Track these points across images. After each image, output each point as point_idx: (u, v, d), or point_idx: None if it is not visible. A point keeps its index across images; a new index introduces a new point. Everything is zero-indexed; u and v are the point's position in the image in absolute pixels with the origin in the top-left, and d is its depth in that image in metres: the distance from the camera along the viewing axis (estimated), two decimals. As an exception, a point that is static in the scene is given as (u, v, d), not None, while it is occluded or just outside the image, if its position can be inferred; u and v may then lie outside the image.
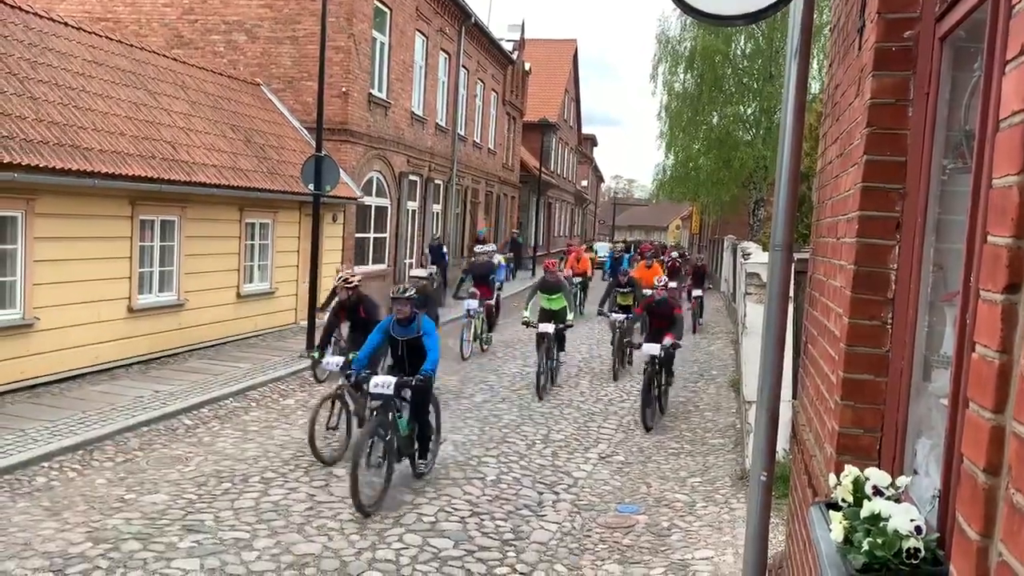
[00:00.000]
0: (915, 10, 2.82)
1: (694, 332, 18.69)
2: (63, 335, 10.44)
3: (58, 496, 6.92)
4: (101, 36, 13.66)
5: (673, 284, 22.90)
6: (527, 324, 12.51)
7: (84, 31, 13.20)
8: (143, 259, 12.08)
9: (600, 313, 14.15)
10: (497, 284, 16.97)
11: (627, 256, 30.64)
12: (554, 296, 12.85)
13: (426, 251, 22.43)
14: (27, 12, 11.98)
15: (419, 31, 22.51)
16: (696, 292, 20.40)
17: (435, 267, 20.35)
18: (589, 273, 22.84)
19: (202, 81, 15.76)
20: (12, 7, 11.69)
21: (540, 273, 18.43)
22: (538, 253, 38.45)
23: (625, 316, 13.77)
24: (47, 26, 12.19)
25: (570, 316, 12.54)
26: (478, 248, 17.99)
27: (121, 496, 6.98)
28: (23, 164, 9.26)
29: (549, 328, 12.01)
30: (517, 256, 31.48)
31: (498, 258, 18.55)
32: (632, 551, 6.49)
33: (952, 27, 2.50)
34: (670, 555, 6.43)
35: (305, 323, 14.08)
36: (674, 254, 29.03)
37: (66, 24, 12.85)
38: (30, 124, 10.01)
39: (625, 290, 14.88)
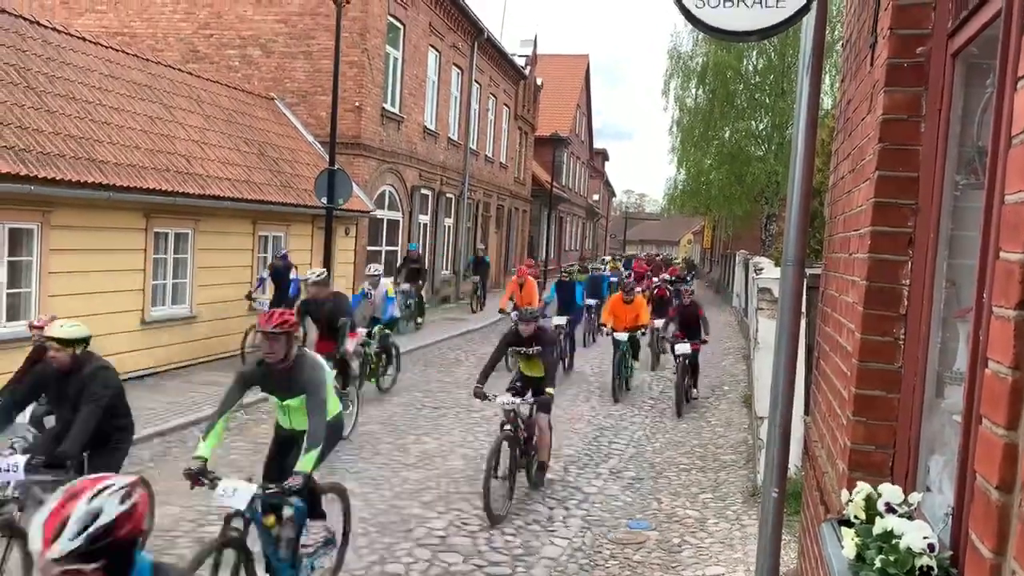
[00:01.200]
0: (927, 26, 2.82)
1: (678, 414, 11.95)
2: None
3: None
4: (118, 50, 13.81)
5: (659, 323, 15.10)
6: (192, 478, 5.07)
7: (101, 46, 13.35)
8: (156, 271, 12.16)
9: (478, 394, 7.75)
10: (379, 327, 11.60)
11: (613, 278, 20.81)
12: (289, 400, 5.52)
13: (264, 274, 13.88)
14: (46, 27, 12.14)
15: (432, 46, 22.66)
16: (681, 348, 12.33)
17: (276, 300, 12.90)
18: (536, 306, 12.75)
19: (217, 95, 15.90)
20: (31, 22, 11.86)
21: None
22: (549, 268, 38.37)
23: (528, 400, 7.79)
24: (65, 41, 12.34)
25: (303, 462, 4.96)
26: (311, 275, 10.25)
27: (132, 507, 6.98)
28: (40, 177, 9.35)
29: (241, 495, 4.71)
30: (483, 279, 23.65)
31: (385, 285, 12.21)
32: (643, 567, 6.46)
33: (964, 43, 2.51)
34: (681, 572, 6.39)
35: (317, 336, 14.11)
36: (664, 276, 21.54)
37: (83, 39, 13.00)
38: (47, 137, 10.12)
39: (530, 350, 8.21)
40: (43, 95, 10.77)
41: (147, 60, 14.54)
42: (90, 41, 13.14)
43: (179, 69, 15.58)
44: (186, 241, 12.80)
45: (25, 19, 11.80)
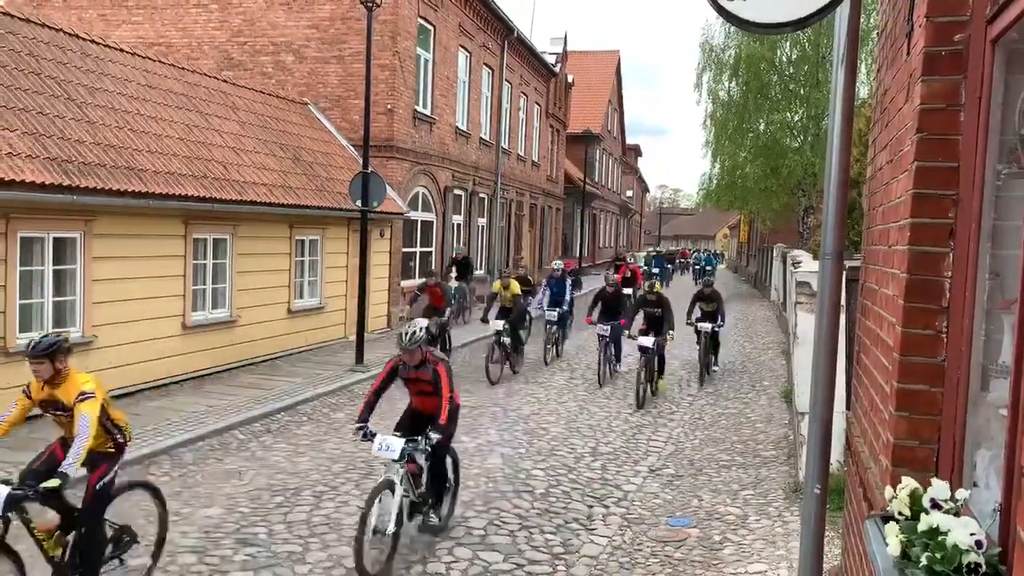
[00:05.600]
0: (965, 13, 2.77)
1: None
2: (120, 352, 10.71)
3: (116, 510, 7.07)
4: (155, 60, 14.05)
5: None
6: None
7: (139, 56, 13.60)
8: (196, 277, 12.35)
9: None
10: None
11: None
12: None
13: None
14: (85, 39, 12.40)
15: (462, 47, 22.72)
16: (644, 341, 12.06)
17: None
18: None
19: (251, 101, 16.10)
20: (71, 35, 12.12)
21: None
22: (583, 265, 38.03)
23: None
24: (104, 52, 12.59)
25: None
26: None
27: (177, 510, 7.11)
28: (81, 186, 9.56)
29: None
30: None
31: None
32: (684, 565, 6.42)
33: (1004, 29, 2.45)
34: (723, 569, 6.34)
35: (354, 337, 14.28)
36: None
37: (121, 50, 13.25)
38: (88, 147, 10.33)
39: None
40: (84, 106, 11.00)
41: (183, 69, 14.78)
42: (128, 52, 13.39)
43: (214, 77, 15.82)
44: (224, 246, 12.98)
45: (65, 32, 12.06)
